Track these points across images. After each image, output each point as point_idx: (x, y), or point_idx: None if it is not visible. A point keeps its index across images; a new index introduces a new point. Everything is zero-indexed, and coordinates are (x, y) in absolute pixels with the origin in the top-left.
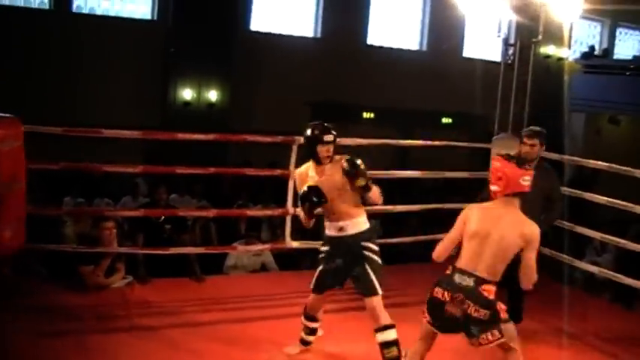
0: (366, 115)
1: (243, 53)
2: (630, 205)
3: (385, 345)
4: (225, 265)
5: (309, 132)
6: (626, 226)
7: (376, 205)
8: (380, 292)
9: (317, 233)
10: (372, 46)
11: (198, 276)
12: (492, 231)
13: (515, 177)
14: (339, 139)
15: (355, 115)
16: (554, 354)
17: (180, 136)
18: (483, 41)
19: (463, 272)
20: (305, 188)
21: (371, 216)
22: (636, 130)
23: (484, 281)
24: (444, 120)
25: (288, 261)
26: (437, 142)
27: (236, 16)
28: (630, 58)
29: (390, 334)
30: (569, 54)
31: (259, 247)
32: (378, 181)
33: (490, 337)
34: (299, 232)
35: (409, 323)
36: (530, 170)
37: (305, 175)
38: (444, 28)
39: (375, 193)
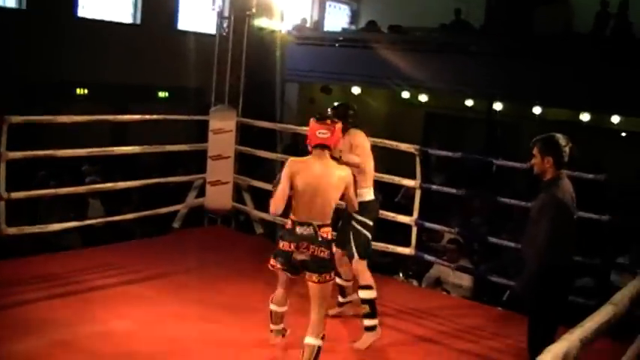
0: (79, 91)
1: None
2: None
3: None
4: None
5: None
6: None
7: None
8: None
9: (34, 217)
10: (83, 19)
11: None
12: (317, 183)
13: (312, 130)
14: (52, 117)
15: (68, 93)
16: None
17: None
18: (197, 14)
19: (302, 223)
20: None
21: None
22: (346, 98)
23: (321, 226)
24: (161, 94)
25: (4, 249)
26: (155, 116)
27: None
28: (339, 30)
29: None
30: (282, 26)
31: None
32: (97, 159)
33: (328, 277)
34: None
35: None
36: (327, 125)
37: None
38: (157, 1)
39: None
